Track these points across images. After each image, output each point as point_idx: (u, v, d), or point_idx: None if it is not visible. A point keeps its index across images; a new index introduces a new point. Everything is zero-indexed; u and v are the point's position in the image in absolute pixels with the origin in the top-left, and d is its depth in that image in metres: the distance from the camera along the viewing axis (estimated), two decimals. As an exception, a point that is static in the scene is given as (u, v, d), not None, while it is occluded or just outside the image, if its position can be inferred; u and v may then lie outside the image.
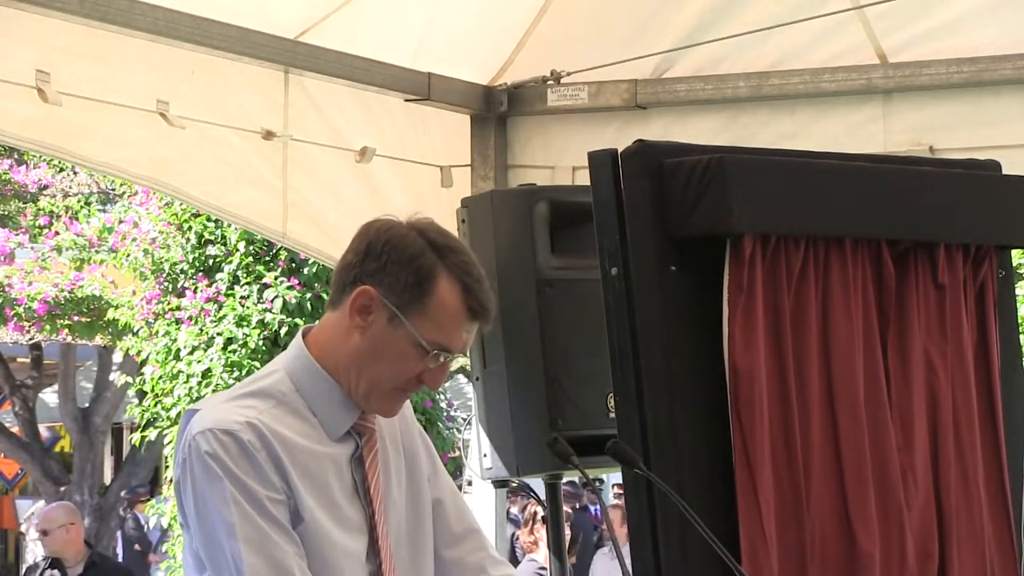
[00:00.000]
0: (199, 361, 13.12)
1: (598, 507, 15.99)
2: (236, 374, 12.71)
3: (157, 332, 13.66)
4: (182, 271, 13.58)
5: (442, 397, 15.79)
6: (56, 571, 9.93)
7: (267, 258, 13.25)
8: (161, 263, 13.72)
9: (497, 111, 5.89)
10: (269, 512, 3.00)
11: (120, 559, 17.09)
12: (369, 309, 3.08)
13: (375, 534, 3.13)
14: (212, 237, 13.41)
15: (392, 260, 3.08)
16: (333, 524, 3.08)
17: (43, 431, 20.30)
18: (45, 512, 10.63)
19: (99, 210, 17.96)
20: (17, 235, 17.42)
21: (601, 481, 15.29)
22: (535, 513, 10.45)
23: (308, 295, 13.06)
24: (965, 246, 4.08)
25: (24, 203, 18.65)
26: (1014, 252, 4.65)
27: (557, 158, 5.89)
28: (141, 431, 14.45)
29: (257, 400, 3.10)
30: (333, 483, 3.11)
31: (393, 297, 3.07)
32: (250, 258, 13.24)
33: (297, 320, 12.92)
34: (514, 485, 5.01)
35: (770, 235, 3.77)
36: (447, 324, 3.08)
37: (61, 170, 17.97)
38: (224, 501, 2.99)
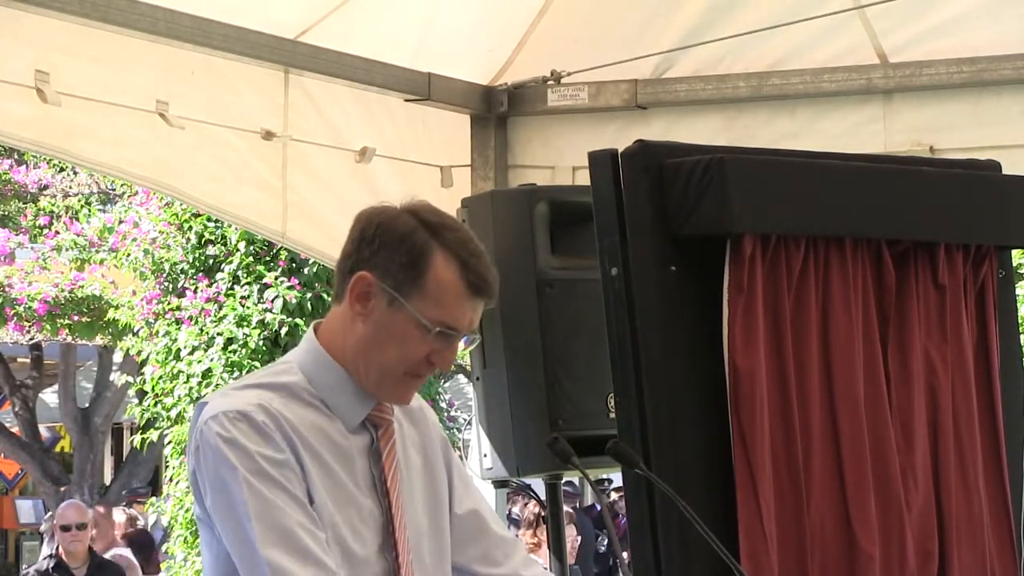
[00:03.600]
0: (199, 361, 13.12)
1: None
2: (236, 374, 12.71)
3: (157, 332, 13.67)
4: (182, 271, 13.59)
5: (442, 397, 15.78)
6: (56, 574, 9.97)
7: (267, 258, 13.25)
8: (161, 263, 13.72)
9: (497, 111, 5.88)
10: (282, 485, 2.95)
11: (119, 559, 17.08)
12: (368, 295, 3.03)
13: (392, 527, 3.08)
14: (212, 237, 13.41)
15: (385, 243, 3.03)
16: (343, 519, 3.03)
17: (43, 431, 20.30)
18: (62, 510, 10.66)
19: (99, 210, 17.98)
20: (17, 235, 17.44)
21: (610, 481, 15.26)
22: (537, 514, 10.44)
23: (308, 295, 13.06)
24: (965, 246, 4.08)
25: (24, 203, 18.69)
26: (1014, 252, 4.64)
27: (557, 158, 5.88)
28: (141, 433, 14.46)
29: (266, 391, 3.05)
30: (347, 476, 3.06)
31: (390, 279, 3.02)
32: (250, 258, 13.24)
33: (297, 320, 12.92)
34: (514, 485, 5.00)
35: (770, 235, 3.77)
36: (447, 301, 3.02)
37: (61, 170, 18.00)
38: (238, 481, 2.94)
